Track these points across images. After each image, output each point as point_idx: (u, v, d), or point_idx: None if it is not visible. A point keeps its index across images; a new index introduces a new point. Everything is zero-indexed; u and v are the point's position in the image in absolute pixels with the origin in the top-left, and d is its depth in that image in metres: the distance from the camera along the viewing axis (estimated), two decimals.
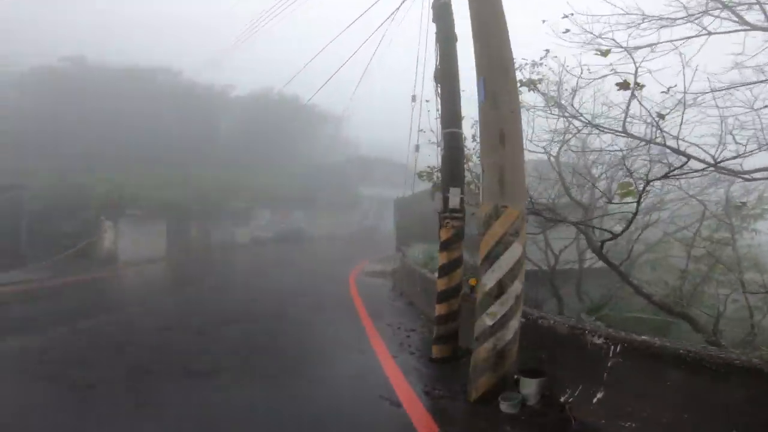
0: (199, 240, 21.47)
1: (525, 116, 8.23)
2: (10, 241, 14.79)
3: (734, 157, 3.86)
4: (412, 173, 12.39)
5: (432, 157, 8.20)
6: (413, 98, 9.40)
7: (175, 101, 30.09)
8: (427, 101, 8.20)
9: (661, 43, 5.60)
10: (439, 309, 4.87)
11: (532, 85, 5.76)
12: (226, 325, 6.91)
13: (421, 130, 7.71)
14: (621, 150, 5.05)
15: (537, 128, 6.90)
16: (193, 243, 20.95)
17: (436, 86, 5.90)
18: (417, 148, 8.52)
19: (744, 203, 6.72)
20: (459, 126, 5.25)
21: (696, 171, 4.04)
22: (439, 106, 5.81)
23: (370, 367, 5.05)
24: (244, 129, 35.21)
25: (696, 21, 5.45)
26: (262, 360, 5.20)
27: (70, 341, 5.65)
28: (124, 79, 29.57)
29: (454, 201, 4.67)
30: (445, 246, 4.74)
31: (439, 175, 6.89)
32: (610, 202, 4.96)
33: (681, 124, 3.91)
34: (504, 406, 3.51)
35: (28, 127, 23.35)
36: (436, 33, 5.74)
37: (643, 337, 3.21)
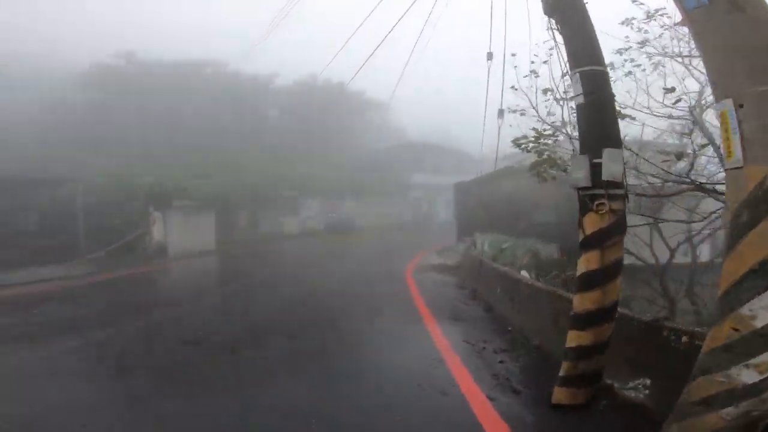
0: (248, 231, 20.84)
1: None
2: (62, 235, 14.69)
3: None
4: (482, 150, 10.53)
5: (515, 128, 6.43)
6: (489, 56, 7.68)
7: (222, 92, 30.07)
8: (513, 55, 6.43)
9: None
10: (580, 338, 3.16)
11: None
12: (265, 339, 5.57)
13: (513, 88, 5.92)
14: None
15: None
16: (242, 234, 20.34)
17: (549, 22, 4.26)
18: (501, 113, 6.75)
19: None
20: (601, 63, 3.46)
21: None
22: (553, 47, 4.17)
23: (459, 418, 3.46)
24: (290, 117, 34.75)
25: None
26: (304, 400, 3.74)
27: (70, 361, 4.51)
28: (173, 72, 30.04)
29: (611, 170, 2.89)
30: (597, 242, 2.98)
31: (549, 142, 5.11)
32: None
33: None
34: None
35: (85, 122, 24.00)
36: None
37: None
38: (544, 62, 5.64)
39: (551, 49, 5.39)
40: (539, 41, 5.44)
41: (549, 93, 5.57)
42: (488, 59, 7.69)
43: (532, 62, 5.92)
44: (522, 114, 6.36)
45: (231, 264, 15.50)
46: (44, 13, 35.68)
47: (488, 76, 7.73)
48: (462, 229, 15.71)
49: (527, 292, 6.21)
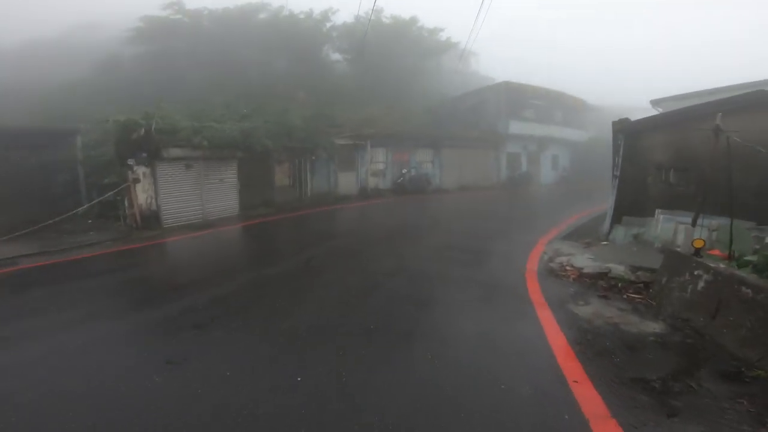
0: (289, 191, 15.57)
1: None
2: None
3: None
4: None
5: None
6: None
7: (278, 37, 25.68)
8: None
9: None
10: None
11: None
12: None
13: None
14: None
15: None
16: (282, 195, 15.14)
17: None
18: None
19: None
20: None
21: None
22: None
23: None
24: (352, 59, 28.63)
25: None
26: None
27: None
28: (223, 20, 26.98)
29: None
30: None
31: None
32: None
33: None
34: None
35: (137, 76, 21.58)
36: None
37: None
38: None
39: None
40: None
41: None
42: None
43: None
44: None
45: (231, 249, 10.25)
46: None
47: None
48: (626, 202, 8.70)
49: None
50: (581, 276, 6.88)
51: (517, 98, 24.81)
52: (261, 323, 4.89)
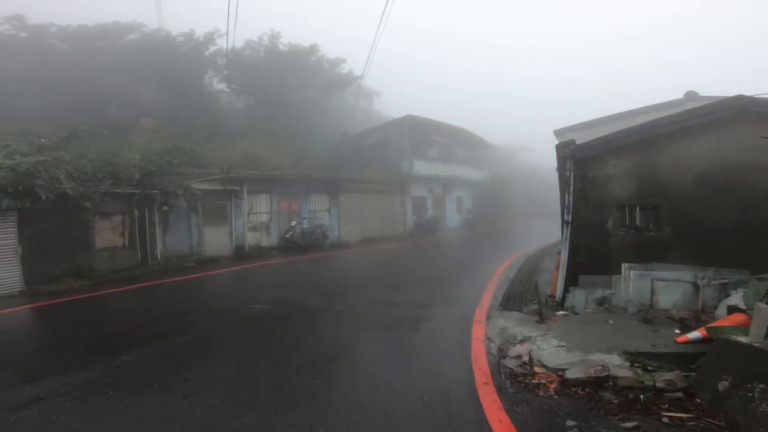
0: (126, 255, 11.00)
1: None
2: None
3: None
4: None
5: None
6: None
7: (149, 61, 21.32)
8: None
9: None
10: None
11: None
12: None
13: None
14: None
15: None
16: (110, 261, 10.52)
17: None
18: None
19: None
20: None
21: None
22: None
23: None
24: (241, 89, 25.21)
25: None
26: None
27: None
28: (78, 40, 21.47)
29: None
30: None
31: None
32: None
33: None
34: None
35: None
36: None
37: None
38: None
39: None
40: None
41: None
42: None
43: None
44: None
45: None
46: None
47: None
48: (583, 257, 6.37)
49: None
50: (565, 384, 4.05)
51: (421, 134, 23.35)
52: None
